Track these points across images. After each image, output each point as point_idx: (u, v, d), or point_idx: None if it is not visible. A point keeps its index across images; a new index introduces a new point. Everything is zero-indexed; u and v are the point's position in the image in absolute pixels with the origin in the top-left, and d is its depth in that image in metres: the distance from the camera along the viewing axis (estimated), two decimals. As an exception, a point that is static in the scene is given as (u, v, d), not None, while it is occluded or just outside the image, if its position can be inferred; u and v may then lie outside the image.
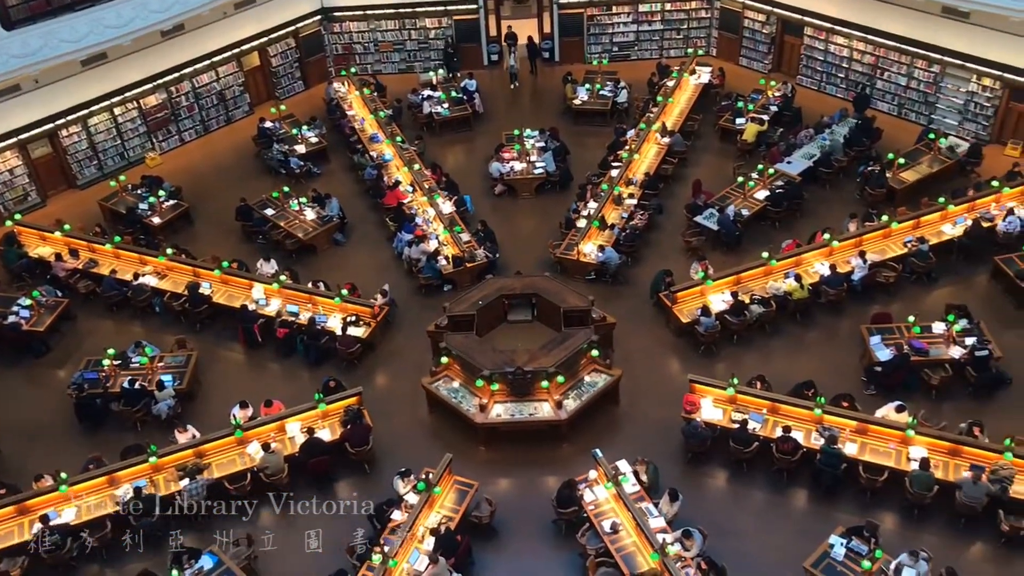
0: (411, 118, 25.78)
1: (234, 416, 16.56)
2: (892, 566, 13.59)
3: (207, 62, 25.14)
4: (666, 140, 23.06)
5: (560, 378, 16.60)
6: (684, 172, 23.12)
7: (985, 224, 19.65)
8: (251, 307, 19.04)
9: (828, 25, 24.81)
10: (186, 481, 15.43)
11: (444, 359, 17.30)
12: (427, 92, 25.85)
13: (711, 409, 16.33)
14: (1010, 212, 19.72)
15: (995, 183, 20.47)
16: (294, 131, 24.70)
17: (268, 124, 24.85)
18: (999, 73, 22.20)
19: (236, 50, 25.57)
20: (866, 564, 13.63)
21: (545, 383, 16.51)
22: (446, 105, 25.47)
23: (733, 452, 15.86)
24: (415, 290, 20.14)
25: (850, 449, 15.42)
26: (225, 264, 19.93)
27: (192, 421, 17.06)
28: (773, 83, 25.07)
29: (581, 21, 27.46)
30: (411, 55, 27.88)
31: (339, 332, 18.43)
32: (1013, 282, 18.58)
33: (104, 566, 15.23)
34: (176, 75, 24.71)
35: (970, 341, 17.00)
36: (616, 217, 20.86)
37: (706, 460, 16.22)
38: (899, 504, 15.15)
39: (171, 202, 22.49)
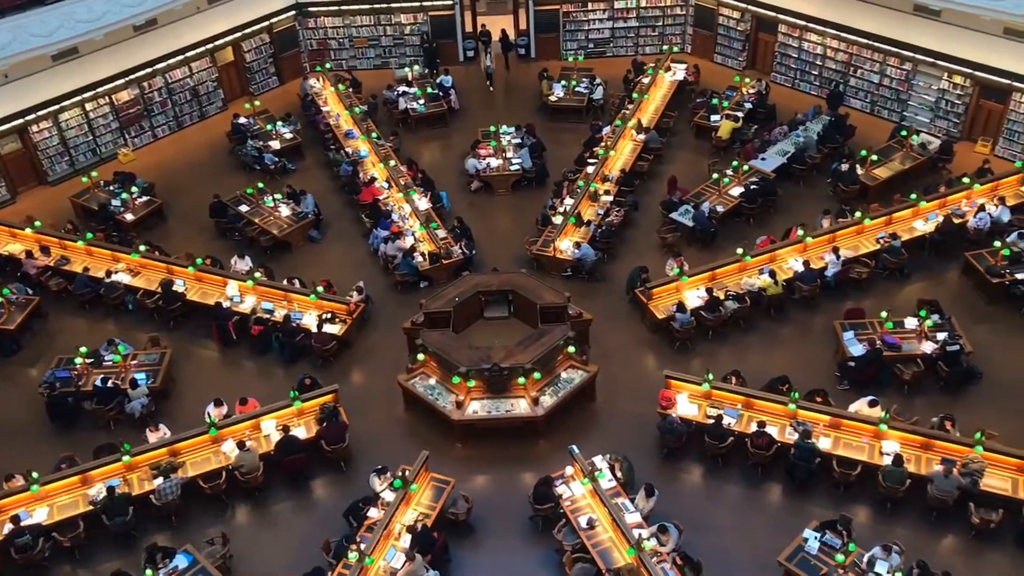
0: (387, 114, 25.70)
1: (208, 414, 16.45)
2: (865, 559, 13.74)
3: (180, 57, 24.92)
4: (641, 137, 23.13)
5: (537, 374, 16.62)
6: (659, 169, 23.21)
7: (956, 220, 19.88)
8: (225, 304, 18.92)
9: (802, 23, 24.98)
10: (160, 480, 15.32)
11: (420, 356, 17.27)
12: (403, 88, 25.77)
13: (686, 405, 16.42)
14: (981, 208, 19.96)
15: (966, 179, 20.71)
16: (268, 127, 24.53)
17: (242, 120, 24.69)
18: (969, 71, 22.45)
19: (210, 45, 25.36)
20: (839, 557, 13.76)
21: (522, 379, 16.52)
22: (422, 101, 25.40)
23: (708, 447, 15.96)
24: (391, 287, 20.09)
25: (824, 444, 15.56)
26: (199, 261, 19.78)
27: (166, 419, 16.94)
28: (747, 80, 25.22)
29: (557, 17, 27.47)
30: (386, 51, 27.78)
31: (314, 329, 18.35)
32: (984, 278, 18.81)
33: (77, 566, 15.09)
34: (149, 70, 24.47)
35: (942, 336, 17.20)
36: (592, 214, 20.91)
37: (682, 455, 16.31)
38: (872, 498, 15.32)
39: (144, 198, 22.29)
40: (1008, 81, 21.86)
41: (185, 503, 15.48)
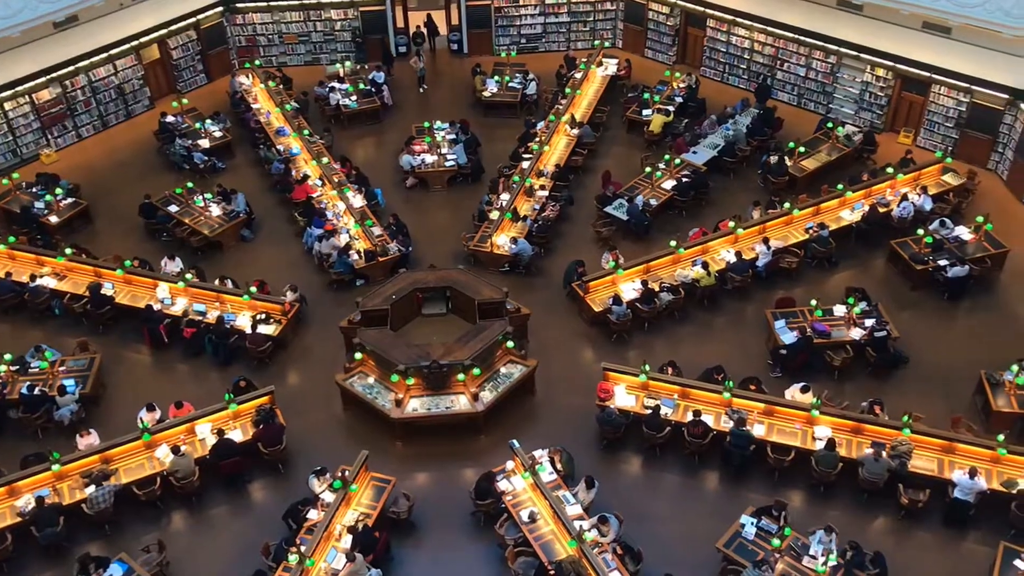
0: (318, 111, 25.42)
1: (141, 419, 16.12)
2: (814, 543, 14.02)
3: (104, 55, 24.25)
4: (575, 132, 23.27)
5: (476, 370, 16.63)
6: (593, 163, 23.38)
7: (881, 209, 20.42)
8: (156, 307, 18.53)
9: (730, 17, 25.37)
10: (92, 488, 14.96)
11: (358, 355, 17.15)
12: (334, 84, 25.51)
13: (624, 396, 16.59)
14: (904, 198, 20.54)
15: (889, 170, 21.29)
16: (197, 125, 24.07)
17: (170, 118, 24.17)
18: (891, 64, 23.06)
19: (134, 43, 24.73)
20: (776, 542, 14.05)
21: (461, 376, 16.52)
22: (354, 97, 25.18)
23: (646, 437, 16.15)
24: (326, 286, 19.89)
25: (758, 431, 15.86)
26: (128, 263, 19.34)
27: (97, 426, 16.53)
28: (678, 75, 25.52)
29: (489, 13, 27.48)
30: (317, 47, 27.48)
31: (249, 330, 18.08)
32: (908, 265, 19.37)
33: (6, 580, 14.69)
34: (71, 68, 23.76)
35: (869, 323, 17.67)
36: (528, 209, 20.98)
37: (620, 446, 16.48)
38: (806, 482, 15.67)
39: (69, 200, 21.68)
40: (927, 73, 22.51)
41: (119, 511, 15.13)
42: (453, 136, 23.43)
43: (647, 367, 16.71)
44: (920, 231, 19.71)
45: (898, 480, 15.07)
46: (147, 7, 24.62)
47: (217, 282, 19.17)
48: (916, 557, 14.60)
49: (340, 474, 15.06)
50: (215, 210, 21.15)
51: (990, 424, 16.26)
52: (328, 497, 14.83)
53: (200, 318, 18.45)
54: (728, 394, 16.18)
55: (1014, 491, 14.76)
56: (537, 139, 22.90)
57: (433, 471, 16.30)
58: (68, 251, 19.67)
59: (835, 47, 23.81)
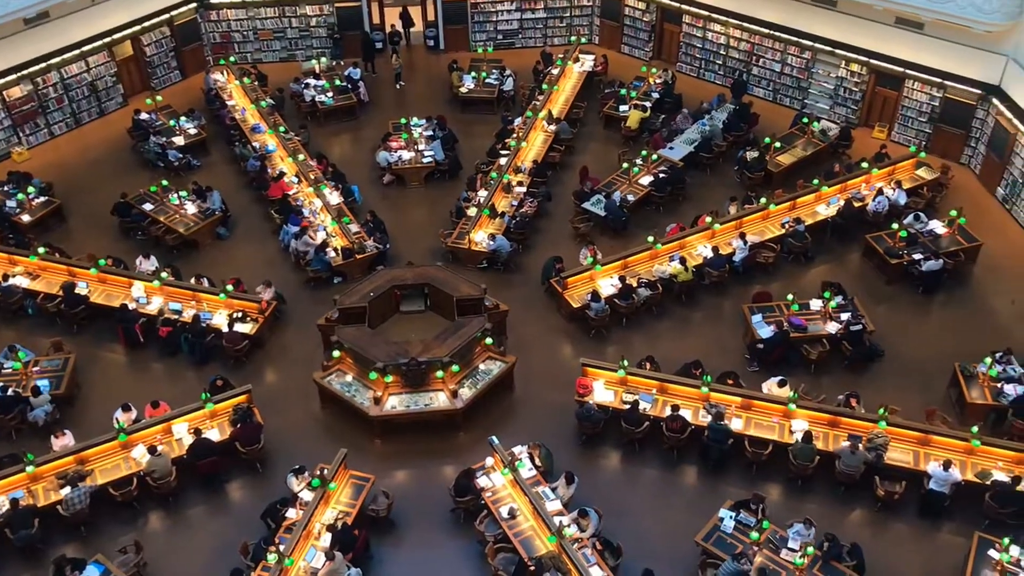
0: (294, 107, 25.26)
1: (117, 420, 15.97)
2: (791, 535, 14.12)
3: (76, 52, 23.95)
4: (552, 128, 23.27)
5: (455, 367, 16.61)
6: (571, 159, 23.40)
7: (856, 204, 20.58)
8: (131, 306, 18.37)
9: (705, 13, 25.45)
10: (68, 489, 14.81)
11: (336, 353, 17.08)
12: (310, 80, 25.36)
13: (603, 391, 16.62)
14: (879, 192, 20.71)
15: (864, 164, 21.45)
16: (171, 122, 23.85)
17: (144, 116, 23.93)
18: (865, 59, 23.22)
19: (107, 39, 24.44)
20: (754, 535, 14.13)
21: (440, 373, 16.49)
22: (330, 94, 25.05)
23: (625, 432, 16.19)
24: (303, 283, 19.80)
25: (736, 424, 15.95)
26: (102, 262, 19.15)
27: (72, 427, 16.36)
28: (654, 70, 25.57)
29: (465, 9, 27.40)
30: (292, 43, 27.31)
31: (225, 329, 17.95)
32: (883, 259, 19.53)
33: (-20, 583, 14.53)
34: (43, 65, 23.46)
35: (845, 316, 17.81)
36: (506, 205, 20.96)
37: (600, 442, 16.52)
38: (783, 475, 15.78)
39: (41, 199, 21.43)
40: (901, 69, 22.70)
41: (95, 512, 14.99)
42: (430, 132, 23.36)
43: (625, 362, 16.75)
44: (895, 225, 19.87)
45: (874, 472, 15.21)
46: (120, 3, 24.32)
47: (193, 280, 19.03)
48: (892, 548, 14.74)
49: (319, 472, 15.00)
50: (190, 208, 20.98)
51: (964, 416, 16.45)
52: (307, 496, 14.76)
53: (176, 317, 18.30)
54: (706, 389, 16.24)
55: (988, 482, 14.93)
56: (514, 135, 22.87)
57: (412, 468, 16.27)
58: (41, 250, 19.45)
59: (810, 43, 23.95)
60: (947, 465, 14.79)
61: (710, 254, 19.36)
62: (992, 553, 13.94)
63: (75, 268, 19.14)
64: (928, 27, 21.74)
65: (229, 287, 18.56)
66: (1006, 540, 13.95)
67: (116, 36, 24.65)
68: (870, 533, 14.92)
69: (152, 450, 15.30)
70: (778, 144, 22.54)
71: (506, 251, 19.91)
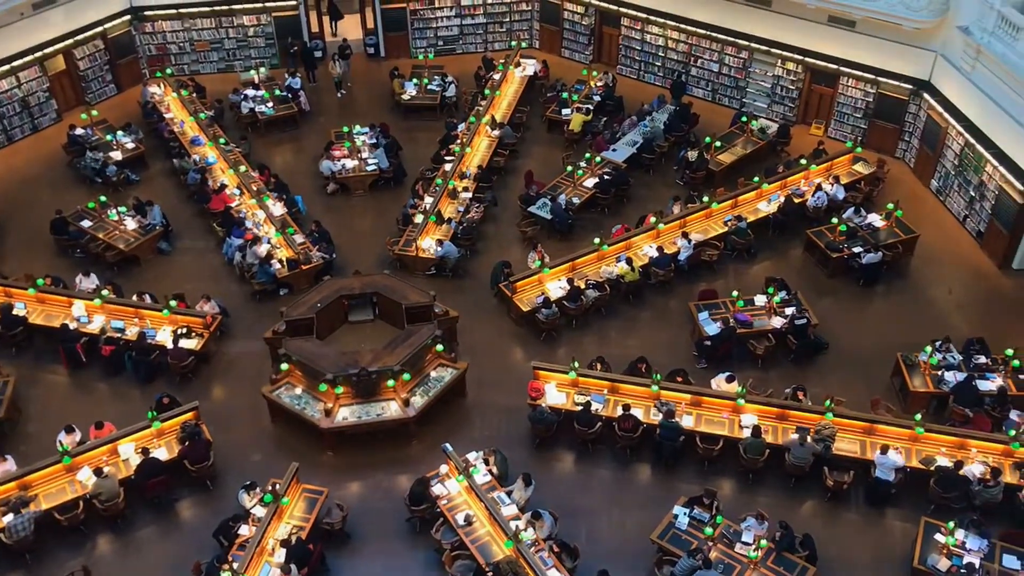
0: (234, 119, 24.95)
1: (60, 442, 15.59)
2: (744, 528, 14.31)
3: (6, 67, 23.38)
4: (496, 133, 23.31)
5: (406, 376, 16.53)
6: (515, 164, 23.46)
7: (796, 200, 20.94)
8: (72, 326, 17.98)
9: (643, 15, 25.70)
10: (10, 516, 14.42)
11: (284, 366, 16.89)
12: (249, 91, 25.07)
13: (555, 394, 16.67)
14: (818, 188, 21.09)
15: (803, 161, 21.84)
16: (108, 137, 23.39)
17: (79, 131, 23.43)
18: (800, 57, 23.65)
19: (38, 53, 23.91)
20: (708, 531, 14.29)
21: (391, 382, 16.40)
22: (270, 104, 24.79)
23: (578, 434, 16.27)
24: (249, 296, 19.55)
25: (687, 421, 16.12)
26: (40, 282, 18.70)
27: (13, 452, 15.93)
28: (595, 73, 25.77)
29: (404, 16, 27.32)
30: (230, 54, 26.98)
31: (170, 345, 17.65)
32: (824, 253, 19.89)
33: (-78, 617, 14.09)
34: (-30, 81, 22.95)
35: (789, 311, 18.10)
36: (452, 211, 20.94)
37: (553, 444, 16.56)
38: (735, 470, 15.97)
39: (-26, 219, 20.93)
40: (835, 66, 23.16)
41: (40, 538, 14.60)
42: (373, 140, 23.24)
43: (576, 364, 16.82)
44: (834, 220, 20.25)
45: (823, 463, 15.46)
46: (49, 17, 23.79)
47: (135, 297, 18.68)
48: (843, 537, 15.01)
49: (271, 487, 14.81)
50: (130, 223, 20.60)
51: (908, 404, 16.82)
52: (259, 512, 14.57)
53: (119, 335, 17.95)
54: (656, 387, 16.38)
55: (932, 468, 15.28)
56: (458, 141, 22.86)
57: (366, 479, 16.14)
58: (-25, 272, 18.96)
59: (746, 43, 24.32)
60: (884, 449, 15.11)
61: (656, 254, 19.55)
62: (938, 537, 14.26)
63: (12, 289, 18.65)
64: (860, 25, 22.23)
65: (172, 303, 18.23)
66: (951, 524, 14.29)
67: (48, 50, 24.12)
68: (821, 523, 15.16)
69: (98, 472, 14.98)
70: (718, 143, 22.86)
71: (454, 257, 19.88)
